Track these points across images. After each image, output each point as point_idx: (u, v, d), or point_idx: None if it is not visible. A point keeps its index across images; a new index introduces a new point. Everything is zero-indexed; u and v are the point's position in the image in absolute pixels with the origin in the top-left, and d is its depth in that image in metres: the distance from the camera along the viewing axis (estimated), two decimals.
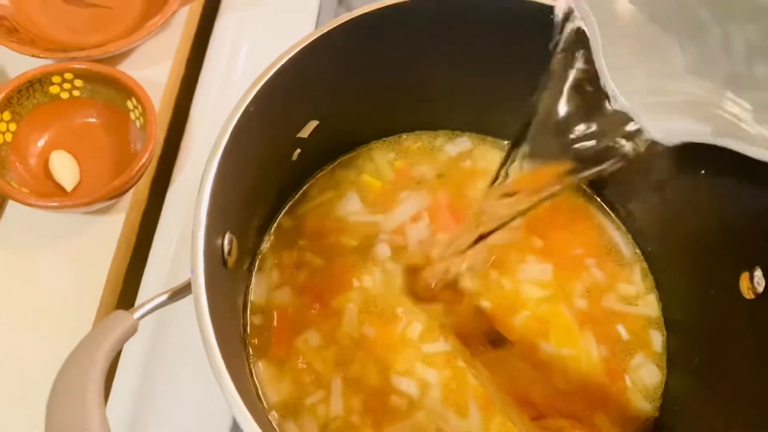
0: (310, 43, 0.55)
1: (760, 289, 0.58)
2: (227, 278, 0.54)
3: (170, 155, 0.86)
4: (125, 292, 0.80)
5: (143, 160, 0.77)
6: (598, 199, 0.74)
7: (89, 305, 0.76)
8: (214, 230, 0.49)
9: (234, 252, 0.54)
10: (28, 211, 0.76)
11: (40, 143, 0.82)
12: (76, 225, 0.80)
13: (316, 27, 0.91)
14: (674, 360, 0.67)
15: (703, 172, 0.62)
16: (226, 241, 0.52)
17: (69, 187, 0.80)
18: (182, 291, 0.48)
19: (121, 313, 0.45)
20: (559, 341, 0.66)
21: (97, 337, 0.44)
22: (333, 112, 0.64)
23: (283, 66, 0.54)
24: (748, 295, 0.59)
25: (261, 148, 0.57)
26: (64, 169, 0.81)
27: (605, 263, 0.70)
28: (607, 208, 0.74)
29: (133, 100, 0.81)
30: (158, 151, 0.87)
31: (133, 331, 0.45)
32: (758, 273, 0.58)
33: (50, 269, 0.78)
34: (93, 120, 0.85)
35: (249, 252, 0.64)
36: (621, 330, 0.67)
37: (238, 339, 0.60)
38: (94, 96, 0.84)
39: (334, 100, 0.64)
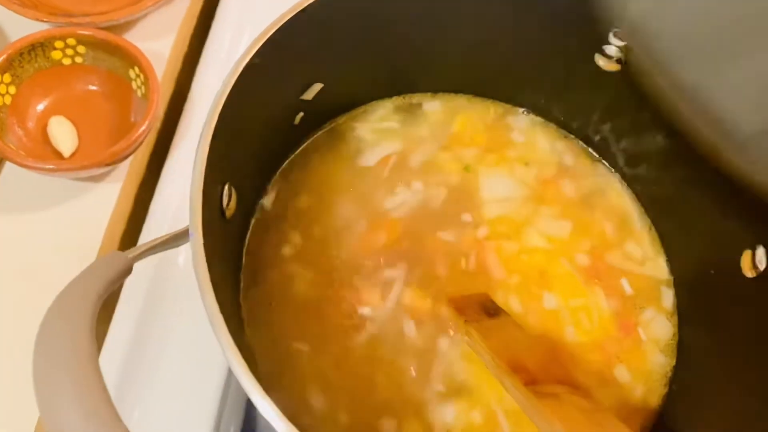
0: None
1: (762, 267, 0.58)
2: (225, 229, 0.53)
3: (169, 130, 0.86)
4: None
5: (143, 128, 0.77)
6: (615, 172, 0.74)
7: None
8: (213, 179, 0.48)
9: (233, 204, 0.53)
10: (24, 174, 0.75)
11: (40, 108, 0.82)
12: (73, 191, 0.80)
13: None
14: (684, 318, 0.67)
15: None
16: (225, 192, 0.51)
17: (67, 153, 0.79)
18: (180, 237, 0.47)
19: (115, 253, 0.45)
20: (566, 293, 0.66)
21: (90, 276, 0.43)
22: (338, 74, 0.64)
23: (291, 20, 0.53)
24: (750, 273, 0.59)
25: (264, 104, 0.57)
26: (63, 134, 0.80)
27: (617, 228, 0.71)
28: (624, 181, 0.74)
29: (136, 69, 0.81)
30: (157, 125, 0.86)
31: (127, 271, 0.45)
32: (760, 251, 0.58)
33: (45, 233, 0.77)
34: (94, 87, 0.84)
35: (248, 208, 0.63)
36: (625, 285, 0.68)
37: (235, 292, 0.59)
38: (96, 63, 0.83)
39: (339, 61, 0.63)
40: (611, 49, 0.64)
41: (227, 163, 0.51)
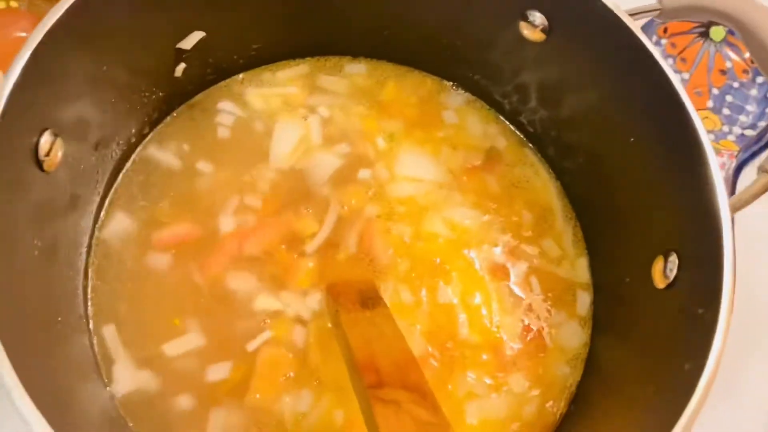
0: None
1: (672, 276, 0.50)
2: (47, 188, 0.48)
3: None
4: None
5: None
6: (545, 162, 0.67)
7: None
8: (22, 120, 0.43)
9: (56, 154, 0.47)
10: None
11: None
12: None
13: None
14: (599, 327, 0.61)
15: (632, 140, 0.54)
16: (43, 139, 0.46)
17: None
18: None
19: None
20: (465, 288, 0.60)
21: None
22: (224, 23, 0.58)
23: None
24: (660, 283, 0.51)
25: (119, 46, 0.51)
26: None
27: (536, 222, 0.64)
28: (553, 172, 0.66)
29: None
30: None
31: None
32: (672, 258, 0.50)
33: None
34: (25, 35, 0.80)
35: (98, 171, 0.57)
36: (535, 284, 0.61)
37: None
38: (31, 9, 0.79)
39: (225, 10, 0.57)
40: (535, 16, 0.56)
41: (53, 104, 0.46)
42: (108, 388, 0.54)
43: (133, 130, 0.59)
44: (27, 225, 0.46)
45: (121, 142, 0.57)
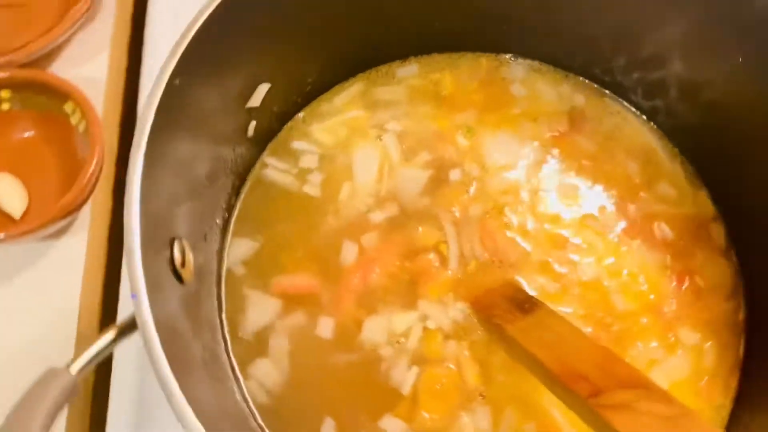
0: None
1: None
2: (188, 296, 0.44)
3: (127, 156, 0.76)
4: (106, 316, 0.71)
5: (92, 167, 0.68)
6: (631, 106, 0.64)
7: (65, 340, 0.67)
8: (154, 240, 0.39)
9: (189, 262, 0.44)
10: None
11: None
12: (35, 252, 0.71)
13: None
14: (743, 251, 0.59)
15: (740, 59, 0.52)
16: (176, 251, 0.42)
17: (17, 214, 0.70)
18: (131, 325, 0.38)
19: (53, 371, 0.36)
20: (600, 256, 0.58)
21: (27, 406, 0.34)
22: (284, 64, 0.54)
23: (207, 21, 0.43)
24: None
25: (201, 129, 0.47)
26: (8, 194, 0.71)
27: (642, 169, 0.61)
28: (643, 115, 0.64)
29: (70, 103, 0.71)
30: (112, 153, 0.77)
31: (72, 390, 0.36)
32: None
33: (14, 306, 0.69)
34: (30, 133, 0.74)
35: (214, 257, 0.53)
36: (665, 230, 0.59)
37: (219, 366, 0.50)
38: (26, 106, 0.74)
39: (283, 49, 0.54)
40: None
41: (170, 216, 0.42)
42: None
43: (224, 206, 0.55)
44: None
45: (218, 221, 0.54)
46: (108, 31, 0.81)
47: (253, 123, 0.55)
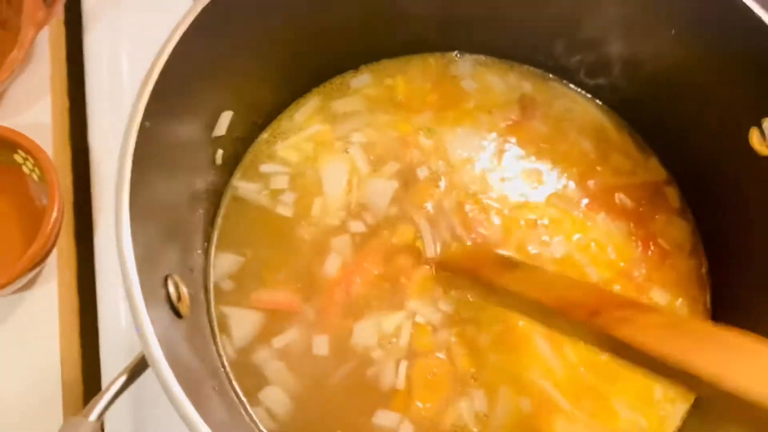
0: (192, 23, 0.45)
1: None
2: (187, 329, 0.45)
3: (84, 197, 0.75)
4: (88, 364, 0.70)
5: (54, 214, 0.67)
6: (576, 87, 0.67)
7: (50, 393, 0.66)
8: (150, 280, 0.40)
9: (184, 296, 0.44)
10: None
11: None
12: (6, 307, 0.70)
13: None
14: (698, 209, 0.63)
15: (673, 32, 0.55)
16: (170, 288, 0.43)
17: None
18: (141, 366, 0.39)
19: (74, 421, 0.36)
20: (568, 233, 0.61)
21: None
22: (246, 91, 0.55)
23: (167, 62, 0.44)
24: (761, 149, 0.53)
25: (174, 165, 0.47)
26: None
27: (595, 145, 0.64)
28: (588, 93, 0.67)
29: (20, 152, 0.70)
30: (69, 197, 0.76)
31: None
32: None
33: None
34: None
35: (201, 287, 0.54)
36: (625, 199, 0.62)
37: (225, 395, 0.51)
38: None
39: (243, 77, 0.54)
40: None
41: (159, 254, 0.43)
42: None
43: (202, 236, 0.55)
44: None
45: (199, 251, 0.54)
46: (45, 75, 0.80)
47: (220, 151, 0.56)
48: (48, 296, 0.71)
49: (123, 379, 0.39)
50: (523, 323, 0.56)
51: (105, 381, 0.65)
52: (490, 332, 0.56)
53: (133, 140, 0.41)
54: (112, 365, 0.65)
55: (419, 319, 0.56)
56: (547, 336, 0.56)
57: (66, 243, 0.74)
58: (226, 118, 0.54)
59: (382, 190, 0.61)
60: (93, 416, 0.37)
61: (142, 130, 0.42)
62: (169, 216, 0.47)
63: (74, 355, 0.70)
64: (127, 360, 0.64)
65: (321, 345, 0.56)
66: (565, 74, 0.66)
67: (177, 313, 0.43)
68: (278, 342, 0.55)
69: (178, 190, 0.49)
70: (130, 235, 0.39)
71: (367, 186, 0.61)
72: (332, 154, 0.62)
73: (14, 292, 0.70)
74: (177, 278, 0.44)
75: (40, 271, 0.71)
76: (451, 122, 0.64)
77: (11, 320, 0.70)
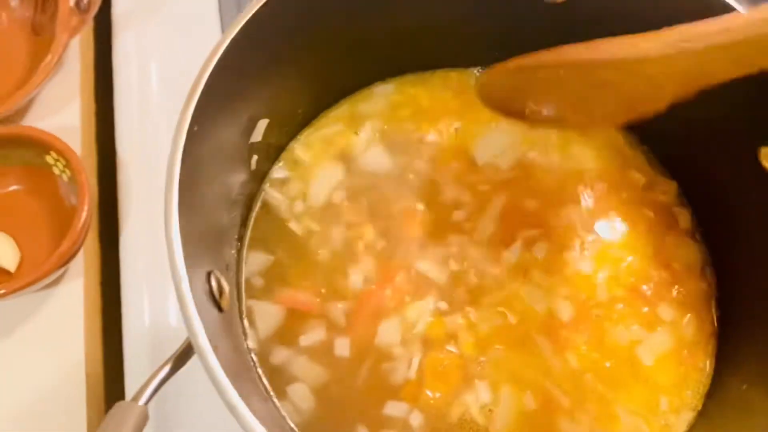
0: (235, 36, 0.48)
1: None
2: (226, 323, 0.47)
3: (109, 199, 0.78)
4: (109, 363, 0.72)
5: (84, 214, 0.69)
6: None
7: (73, 389, 0.69)
8: (196, 274, 0.42)
9: (225, 290, 0.47)
10: None
11: None
12: (33, 304, 0.72)
13: (221, 21, 0.83)
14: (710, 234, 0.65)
15: None
16: (213, 282, 0.45)
17: (12, 268, 0.71)
18: (184, 355, 0.41)
19: (123, 404, 0.39)
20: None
21: None
22: (280, 100, 0.58)
23: (216, 68, 0.46)
24: None
25: (216, 168, 0.50)
26: (1, 250, 0.72)
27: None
28: None
29: (53, 153, 0.73)
30: (94, 198, 0.78)
31: (143, 421, 0.39)
32: None
33: (16, 361, 0.70)
34: (16, 188, 0.76)
35: (234, 285, 0.56)
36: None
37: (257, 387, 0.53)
38: (8, 162, 0.75)
39: (278, 87, 0.57)
40: None
41: (202, 251, 0.45)
42: None
43: (236, 237, 0.58)
44: None
45: (233, 251, 0.57)
46: (75, 80, 0.83)
47: (255, 157, 0.58)
48: (74, 293, 0.73)
49: (168, 368, 0.42)
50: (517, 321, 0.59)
51: (128, 376, 0.67)
52: (492, 324, 0.59)
53: (182, 142, 0.43)
54: (135, 362, 0.67)
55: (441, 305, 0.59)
56: (547, 336, 0.59)
57: (92, 243, 0.77)
58: (262, 126, 0.56)
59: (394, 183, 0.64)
60: (142, 401, 0.39)
61: (190, 134, 0.44)
62: (210, 215, 0.50)
63: (97, 352, 0.72)
64: (150, 357, 0.68)
65: (342, 347, 0.58)
66: None
67: (219, 308, 0.46)
68: (304, 341, 0.57)
69: (219, 191, 0.52)
70: (179, 235, 0.41)
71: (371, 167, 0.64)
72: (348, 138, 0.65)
73: (42, 288, 0.72)
74: (218, 274, 0.46)
75: (66, 269, 0.73)
76: (476, 122, 0.67)
77: (39, 315, 0.72)
